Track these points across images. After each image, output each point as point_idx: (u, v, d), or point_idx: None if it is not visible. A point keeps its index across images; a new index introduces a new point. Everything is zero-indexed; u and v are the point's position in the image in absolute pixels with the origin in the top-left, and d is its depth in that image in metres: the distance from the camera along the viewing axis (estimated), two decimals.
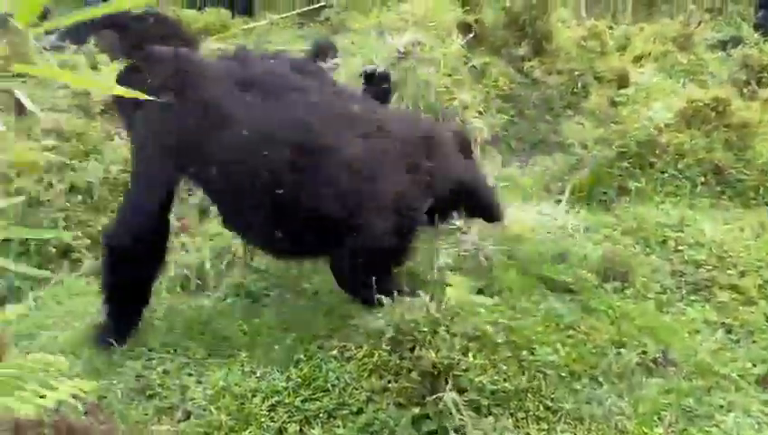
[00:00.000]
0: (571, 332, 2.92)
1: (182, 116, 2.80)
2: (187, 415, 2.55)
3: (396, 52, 4.37)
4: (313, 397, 2.57)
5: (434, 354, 2.49)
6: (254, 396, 2.58)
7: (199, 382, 2.70)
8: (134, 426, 2.42)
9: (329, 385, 2.60)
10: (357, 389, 2.58)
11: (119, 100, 3.24)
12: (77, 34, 6.86)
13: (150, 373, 2.74)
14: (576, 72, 5.50)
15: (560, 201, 4.26)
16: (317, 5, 10.21)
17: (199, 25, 9.02)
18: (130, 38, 8.25)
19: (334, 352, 2.73)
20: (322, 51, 6.67)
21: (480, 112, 4.47)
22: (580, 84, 5.45)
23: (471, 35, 5.13)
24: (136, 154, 3.00)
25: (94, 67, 6.13)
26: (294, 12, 10.23)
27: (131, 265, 2.83)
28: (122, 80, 3.12)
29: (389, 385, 2.55)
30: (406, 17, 4.73)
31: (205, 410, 2.54)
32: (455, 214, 3.99)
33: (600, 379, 2.71)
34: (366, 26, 5.18)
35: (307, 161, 2.72)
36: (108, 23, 8.58)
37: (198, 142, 2.79)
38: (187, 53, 3.11)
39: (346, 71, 5.68)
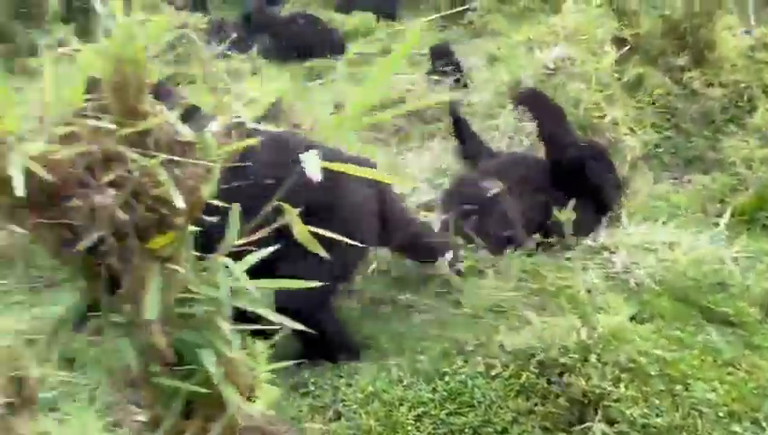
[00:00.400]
0: (730, 368, 2.77)
1: None
2: (338, 416, 2.69)
3: (544, 67, 4.31)
4: (459, 411, 2.62)
5: (584, 382, 2.46)
6: (401, 404, 2.66)
7: (349, 385, 2.82)
8: (290, 422, 2.58)
9: (474, 401, 2.64)
10: (502, 408, 2.60)
11: None
12: (241, 42, 7.30)
13: (305, 372, 2.91)
14: (741, 85, 5.13)
15: (718, 224, 4.02)
16: (460, 9, 10.24)
17: (346, 28, 9.34)
18: (284, 40, 8.63)
19: (480, 368, 2.76)
20: (438, 55, 6.71)
21: (632, 129, 4.30)
22: (745, 98, 5.08)
23: (626, 49, 4.94)
24: None
25: (255, 72, 6.57)
26: (437, 15, 10.32)
27: None
28: None
29: (536, 408, 2.55)
30: (556, 30, 4.63)
31: (355, 413, 2.66)
32: (599, 229, 3.91)
33: (764, 423, 2.55)
34: (515, 40, 5.12)
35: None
36: (262, 24, 8.99)
37: None
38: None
39: (491, 78, 5.68)
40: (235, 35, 6.67)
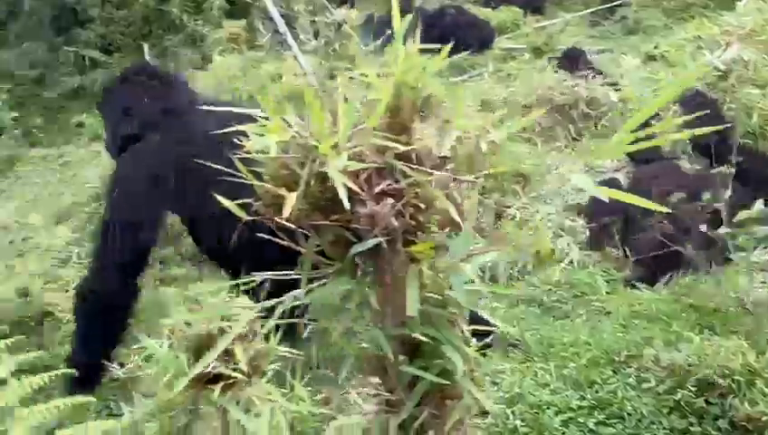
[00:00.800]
0: None
1: (168, 154, 3.09)
2: (484, 412, 2.74)
3: (714, 69, 4.07)
4: (608, 422, 2.58)
5: (749, 407, 2.35)
6: (547, 408, 2.67)
7: (494, 383, 2.86)
8: None
9: (624, 414, 2.59)
10: (654, 423, 2.54)
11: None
12: (380, 31, 7.51)
13: None
14: None
15: None
16: (612, 4, 9.84)
17: (493, 23, 9.27)
18: (430, 36, 8.74)
19: (631, 380, 2.71)
20: (570, 60, 6.48)
21: None
22: None
23: None
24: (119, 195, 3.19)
25: None
26: (588, 11, 9.99)
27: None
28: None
29: (692, 428, 2.46)
30: (729, 29, 4.35)
31: (500, 411, 2.70)
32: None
33: None
34: (679, 38, 4.86)
35: None
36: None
37: (182, 178, 3.06)
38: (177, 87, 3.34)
39: (649, 77, 5.44)
40: (389, 31, 6.84)
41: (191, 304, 1.46)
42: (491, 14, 9.65)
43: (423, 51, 1.39)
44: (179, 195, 3.12)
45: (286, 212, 1.16)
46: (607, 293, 3.53)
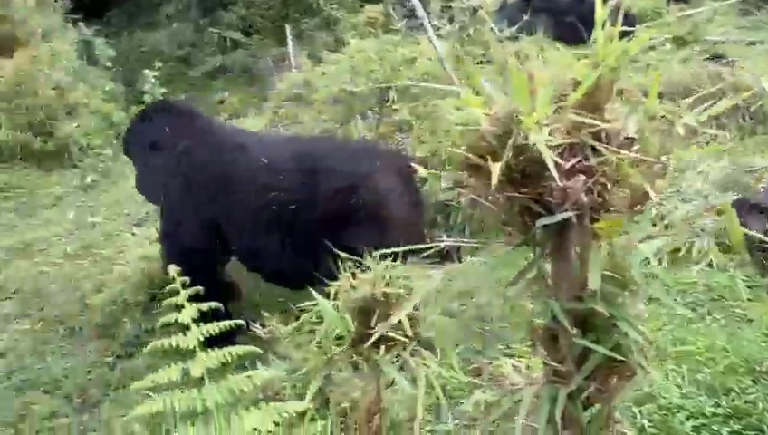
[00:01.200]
0: None
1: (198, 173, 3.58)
2: None
3: None
4: (744, 433, 2.46)
5: None
6: (678, 411, 2.58)
7: None
8: None
9: (763, 426, 2.46)
10: None
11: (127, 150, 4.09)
12: (514, 17, 7.39)
13: None
14: None
15: None
16: None
17: (633, 11, 8.83)
18: (564, 23, 8.54)
19: None
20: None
21: None
22: None
23: None
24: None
25: (540, 55, 6.57)
26: None
27: None
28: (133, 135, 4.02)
29: None
30: None
31: (627, 409, 2.64)
32: None
33: None
34: None
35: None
36: (543, 6, 8.96)
37: (216, 190, 3.51)
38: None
39: None
40: (524, 16, 6.73)
41: (357, 269, 1.54)
42: (631, 1, 9.21)
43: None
44: (213, 203, 3.60)
45: (494, 181, 1.22)
46: (748, 299, 3.33)
